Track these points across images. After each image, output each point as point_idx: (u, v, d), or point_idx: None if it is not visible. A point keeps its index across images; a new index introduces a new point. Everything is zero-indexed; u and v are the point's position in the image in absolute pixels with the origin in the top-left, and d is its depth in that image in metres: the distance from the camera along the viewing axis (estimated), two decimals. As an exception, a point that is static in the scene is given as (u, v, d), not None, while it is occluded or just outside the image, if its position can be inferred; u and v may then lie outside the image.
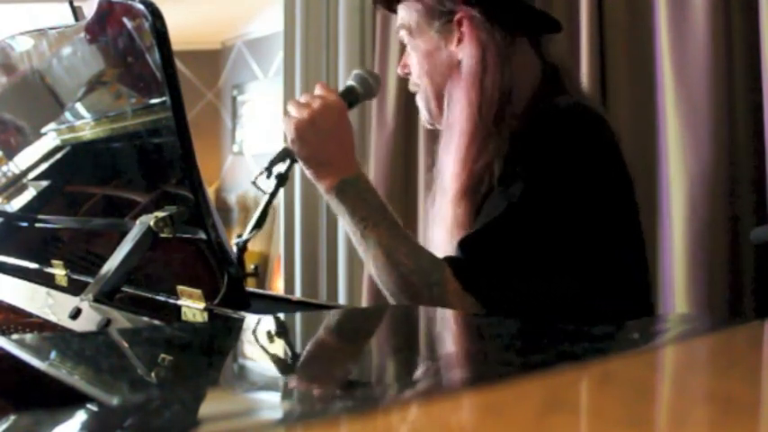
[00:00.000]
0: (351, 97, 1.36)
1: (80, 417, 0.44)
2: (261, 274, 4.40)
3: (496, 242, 1.11)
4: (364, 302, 2.39)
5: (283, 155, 1.29)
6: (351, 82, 1.37)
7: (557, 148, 1.12)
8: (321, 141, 1.18)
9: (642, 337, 0.65)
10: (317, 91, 1.22)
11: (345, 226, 1.20)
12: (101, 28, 0.97)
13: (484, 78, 1.19)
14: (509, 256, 1.10)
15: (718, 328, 0.69)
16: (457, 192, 1.18)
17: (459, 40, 1.21)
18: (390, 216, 1.19)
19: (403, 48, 1.33)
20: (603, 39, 1.80)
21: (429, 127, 1.33)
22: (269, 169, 1.29)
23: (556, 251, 1.10)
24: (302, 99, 1.21)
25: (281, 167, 1.29)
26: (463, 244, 1.13)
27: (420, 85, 1.26)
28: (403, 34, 1.26)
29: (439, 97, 1.24)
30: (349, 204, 1.17)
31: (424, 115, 1.30)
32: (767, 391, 0.47)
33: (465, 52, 1.20)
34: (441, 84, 1.23)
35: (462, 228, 1.17)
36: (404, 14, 1.25)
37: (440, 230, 1.22)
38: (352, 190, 1.18)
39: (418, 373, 0.60)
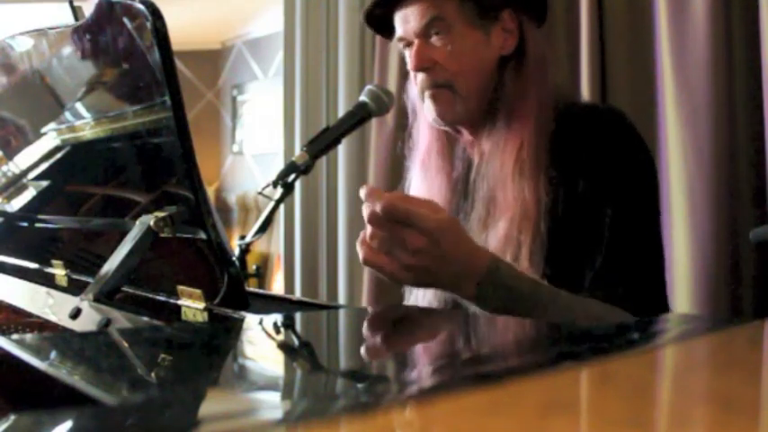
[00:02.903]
0: (363, 113, 1.35)
1: (80, 417, 0.44)
2: (261, 274, 4.40)
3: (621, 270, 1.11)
4: (364, 302, 2.40)
5: (290, 169, 1.30)
6: (363, 98, 1.36)
7: (636, 162, 1.17)
8: (435, 259, 0.99)
9: (642, 337, 0.65)
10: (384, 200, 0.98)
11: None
12: (101, 28, 0.97)
13: (546, 74, 1.21)
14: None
15: (718, 328, 0.69)
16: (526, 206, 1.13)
17: (507, 37, 1.20)
18: (546, 289, 1.06)
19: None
20: (603, 39, 1.80)
21: (441, 127, 1.26)
22: (276, 183, 1.30)
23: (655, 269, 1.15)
24: (409, 242, 0.98)
25: (288, 178, 1.30)
26: (602, 281, 1.10)
27: (456, 81, 1.19)
28: (432, 29, 1.19)
29: (480, 95, 1.20)
30: (500, 300, 1.02)
31: (449, 113, 1.21)
32: (767, 391, 0.47)
33: (515, 47, 1.20)
34: (486, 81, 1.20)
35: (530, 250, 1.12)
36: (437, 7, 1.18)
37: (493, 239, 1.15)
38: (493, 289, 1.02)
39: (418, 372, 0.60)
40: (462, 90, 1.20)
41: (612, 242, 1.11)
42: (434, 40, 1.19)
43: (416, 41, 1.20)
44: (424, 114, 1.27)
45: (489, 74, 1.20)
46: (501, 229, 1.15)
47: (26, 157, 1.36)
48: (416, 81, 1.24)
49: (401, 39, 1.23)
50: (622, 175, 1.15)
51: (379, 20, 1.28)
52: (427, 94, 1.23)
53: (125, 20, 0.89)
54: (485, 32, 1.20)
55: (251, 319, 0.82)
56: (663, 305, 1.16)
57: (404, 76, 1.38)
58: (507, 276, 1.04)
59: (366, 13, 1.30)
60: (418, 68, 1.21)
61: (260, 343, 0.78)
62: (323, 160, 2.47)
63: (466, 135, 1.26)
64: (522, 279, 1.05)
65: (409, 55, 1.23)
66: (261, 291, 1.70)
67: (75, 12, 1.07)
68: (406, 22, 1.21)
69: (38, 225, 1.41)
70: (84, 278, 1.14)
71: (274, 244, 4.32)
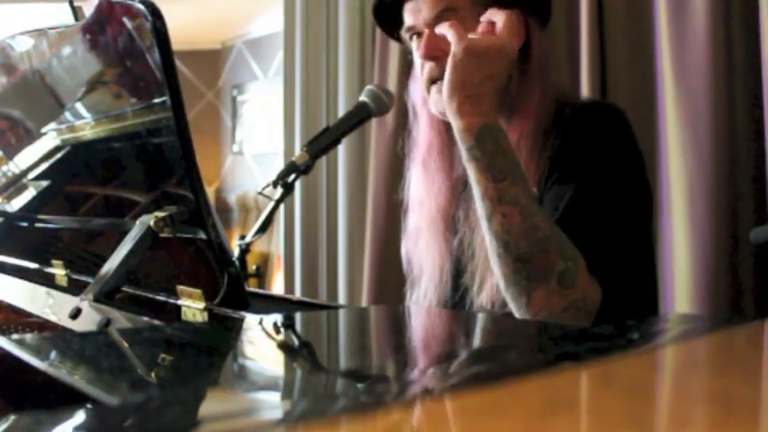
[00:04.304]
0: (363, 113, 1.36)
1: (80, 417, 0.44)
2: (261, 274, 4.41)
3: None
4: (364, 302, 2.40)
5: (290, 169, 1.31)
6: (364, 98, 1.37)
7: (609, 150, 1.17)
8: (481, 76, 1.09)
9: (642, 337, 0.65)
10: (499, 21, 1.13)
11: (475, 174, 1.10)
12: (101, 28, 0.97)
13: (547, 75, 1.22)
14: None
15: (718, 328, 0.69)
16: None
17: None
18: (527, 179, 1.11)
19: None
20: (603, 39, 1.80)
21: (445, 119, 1.23)
22: (276, 183, 1.30)
23: (608, 250, 1.12)
24: (480, 28, 1.13)
25: (288, 178, 1.31)
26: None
27: None
28: (444, 19, 1.18)
29: None
30: (488, 152, 1.08)
31: None
32: (767, 391, 0.47)
33: (520, 46, 1.20)
34: None
35: None
36: None
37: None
38: (491, 138, 1.09)
39: (418, 373, 0.60)
40: None
41: (567, 215, 1.12)
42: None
43: (427, 31, 1.20)
44: (426, 110, 1.27)
45: None
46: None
47: (26, 157, 1.36)
48: (423, 72, 1.24)
49: (410, 28, 1.24)
50: (598, 164, 1.15)
51: (387, 12, 1.29)
52: (434, 87, 1.23)
53: (125, 20, 0.89)
54: (494, 28, 1.20)
55: (251, 319, 0.82)
56: (639, 301, 1.17)
57: (404, 75, 1.38)
58: (506, 140, 1.11)
59: (375, 3, 1.30)
60: (427, 57, 1.21)
61: (260, 343, 0.78)
62: (323, 160, 2.47)
63: None
64: (514, 152, 1.12)
65: (417, 45, 1.23)
66: (261, 291, 1.70)
67: (75, 12, 1.08)
68: (417, 11, 1.22)
69: (38, 225, 1.41)
70: (84, 278, 1.14)
71: (274, 244, 4.32)
